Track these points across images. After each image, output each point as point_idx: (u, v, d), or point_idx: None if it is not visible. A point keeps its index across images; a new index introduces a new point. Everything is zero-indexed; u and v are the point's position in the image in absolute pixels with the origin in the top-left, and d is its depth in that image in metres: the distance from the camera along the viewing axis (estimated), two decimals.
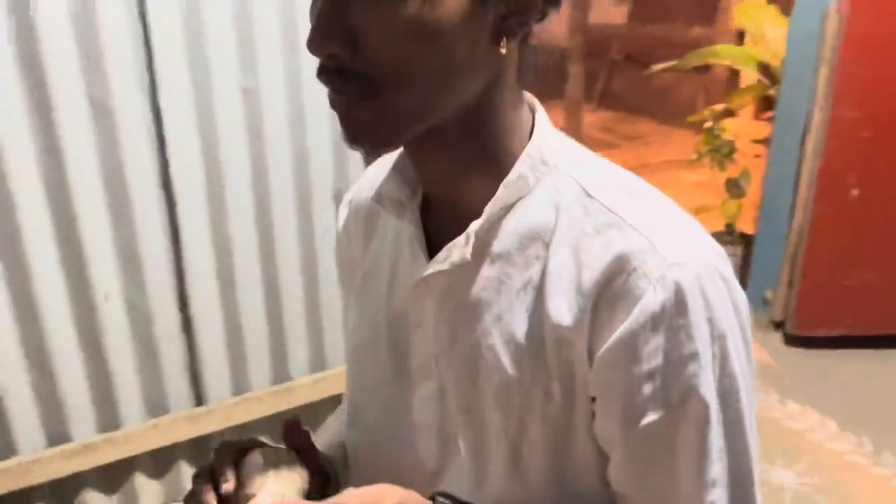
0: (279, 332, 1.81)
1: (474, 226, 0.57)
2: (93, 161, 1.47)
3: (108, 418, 1.65)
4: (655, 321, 0.52)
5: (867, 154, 2.47)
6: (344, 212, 0.77)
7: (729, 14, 6.83)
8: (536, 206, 0.58)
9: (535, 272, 0.58)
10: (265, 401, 1.81)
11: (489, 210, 0.57)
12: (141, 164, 1.52)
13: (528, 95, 0.61)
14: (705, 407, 0.53)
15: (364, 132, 0.55)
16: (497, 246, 0.59)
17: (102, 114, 1.46)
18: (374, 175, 0.71)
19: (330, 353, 1.91)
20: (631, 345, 0.53)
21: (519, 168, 0.58)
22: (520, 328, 0.58)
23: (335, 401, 1.92)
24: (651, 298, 0.52)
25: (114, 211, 1.52)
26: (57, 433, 1.61)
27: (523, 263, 0.58)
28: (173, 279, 1.64)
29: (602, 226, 0.55)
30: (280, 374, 1.85)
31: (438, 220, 0.63)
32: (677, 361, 0.53)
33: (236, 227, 1.66)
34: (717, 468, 0.55)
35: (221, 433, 1.79)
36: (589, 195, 0.57)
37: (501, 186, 0.57)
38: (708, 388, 0.53)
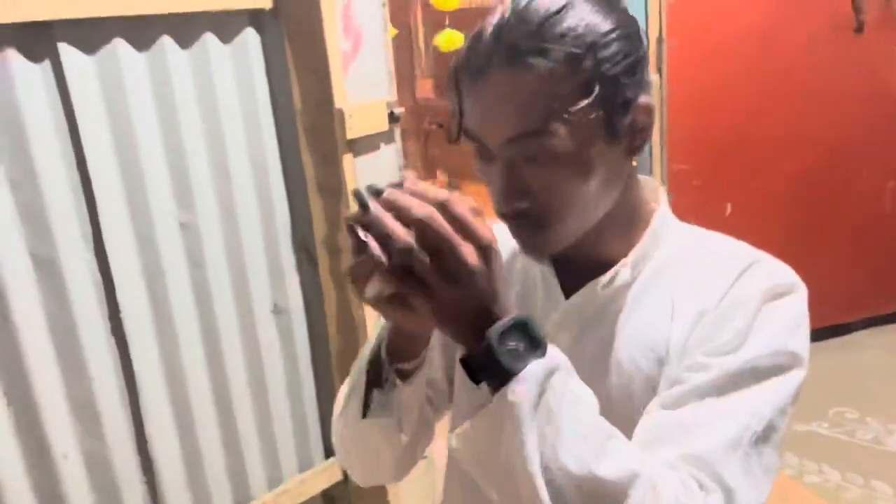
0: (237, 456, 1.80)
1: (627, 261, 0.77)
2: (41, 318, 1.43)
3: None
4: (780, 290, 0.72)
5: (699, 198, 2.91)
6: None
7: None
8: (666, 251, 0.79)
9: (664, 292, 0.76)
10: None
11: (635, 253, 0.78)
12: (90, 313, 1.49)
13: (649, 179, 0.83)
14: (799, 368, 0.70)
15: (541, 251, 0.76)
16: (637, 283, 0.78)
17: (47, 268, 1.43)
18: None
19: (286, 465, 1.92)
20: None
21: (653, 227, 0.79)
22: (657, 336, 0.75)
23: None
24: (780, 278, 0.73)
25: (65, 365, 1.48)
26: None
27: (659, 288, 0.77)
28: (130, 423, 1.60)
29: (715, 255, 0.77)
30: (241, 497, 1.83)
31: (565, 269, 0.82)
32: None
33: (187, 358, 1.66)
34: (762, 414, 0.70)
35: None
36: (699, 245, 0.79)
37: (644, 240, 0.78)
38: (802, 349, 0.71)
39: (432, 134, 9.08)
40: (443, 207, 0.58)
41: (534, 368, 0.59)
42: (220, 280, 1.70)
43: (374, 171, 1.78)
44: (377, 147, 1.77)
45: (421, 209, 0.57)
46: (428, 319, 0.61)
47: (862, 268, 3.19)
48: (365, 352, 0.84)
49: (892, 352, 3.18)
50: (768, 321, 0.70)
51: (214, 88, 1.61)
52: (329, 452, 2.01)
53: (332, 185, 1.72)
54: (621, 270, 0.77)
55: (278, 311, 1.83)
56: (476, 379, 0.61)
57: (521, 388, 0.58)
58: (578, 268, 0.79)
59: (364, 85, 1.71)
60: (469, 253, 0.57)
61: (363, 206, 0.59)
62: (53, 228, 1.41)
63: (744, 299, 0.71)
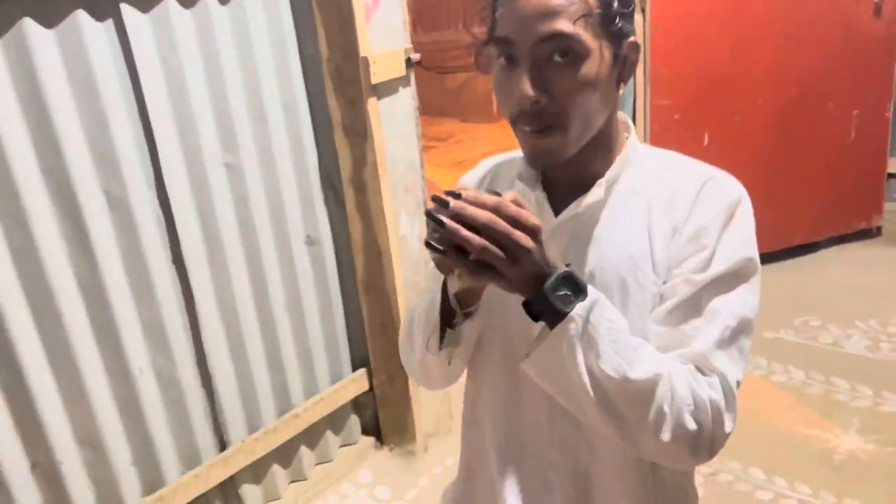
0: (279, 370, 2.04)
1: (603, 181, 0.92)
2: (115, 250, 1.63)
3: (153, 479, 1.80)
4: (731, 208, 0.89)
5: (679, 130, 3.13)
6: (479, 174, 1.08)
7: None
8: (636, 172, 0.95)
9: (641, 209, 0.92)
10: (279, 430, 2.03)
11: (610, 173, 0.93)
12: (154, 245, 1.70)
13: (621, 114, 0.98)
14: (756, 266, 0.89)
15: (549, 154, 0.87)
16: (613, 197, 0.94)
17: (118, 206, 1.62)
18: (488, 165, 1.05)
19: (320, 378, 2.17)
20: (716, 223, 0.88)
21: (626, 152, 0.95)
22: (633, 246, 0.91)
23: (333, 417, 2.20)
24: (729, 195, 0.90)
25: (137, 291, 1.69)
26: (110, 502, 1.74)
27: (633, 204, 0.93)
28: (191, 343, 1.82)
29: (679, 176, 0.93)
30: (284, 405, 2.08)
31: (554, 191, 0.96)
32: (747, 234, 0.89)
33: (235, 284, 1.87)
34: (733, 307, 0.87)
35: (246, 469, 1.99)
36: (662, 165, 0.95)
37: (617, 161, 0.93)
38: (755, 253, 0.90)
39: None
40: (496, 209, 0.76)
41: (579, 310, 0.79)
42: (261, 215, 1.90)
43: (394, 112, 1.97)
44: (396, 91, 1.95)
45: (483, 216, 0.75)
46: (501, 289, 0.80)
47: (829, 191, 3.45)
48: (421, 305, 1.02)
49: (853, 266, 3.48)
50: (730, 238, 0.89)
51: (250, 40, 1.78)
52: (356, 365, 2.26)
53: (358, 127, 1.91)
54: (595, 189, 0.93)
55: (310, 241, 2.05)
56: (535, 318, 0.82)
57: (571, 325, 0.79)
58: (565, 192, 0.95)
59: (384, 34, 1.89)
60: (523, 238, 0.76)
61: (438, 223, 0.76)
62: (123, 169, 1.60)
63: (708, 223, 0.89)
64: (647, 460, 0.97)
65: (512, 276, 0.78)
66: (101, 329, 1.64)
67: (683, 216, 0.91)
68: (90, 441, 1.67)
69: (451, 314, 0.96)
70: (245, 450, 1.95)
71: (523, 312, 0.85)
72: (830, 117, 3.32)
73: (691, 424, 0.82)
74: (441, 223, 0.76)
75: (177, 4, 1.62)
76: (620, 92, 0.93)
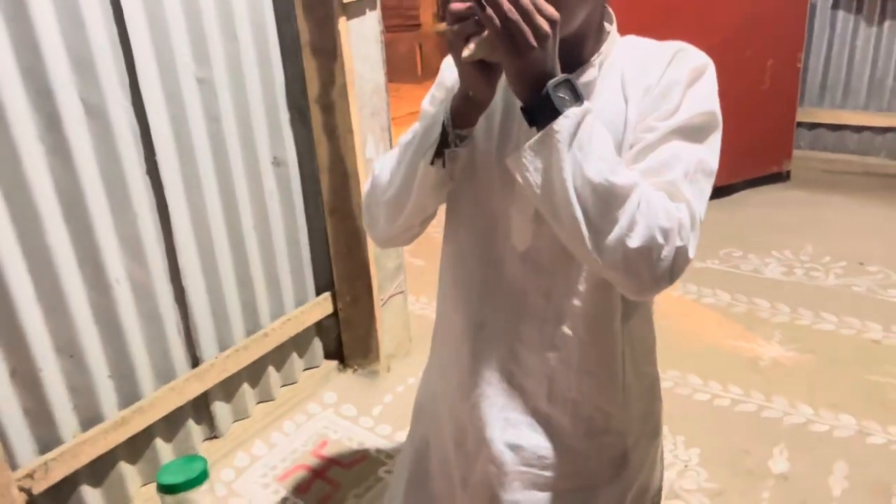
0: (248, 289, 2.08)
1: (594, 62, 1.01)
2: (92, 158, 1.63)
3: (129, 392, 1.82)
4: (698, 71, 0.99)
5: None
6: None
7: None
8: (617, 52, 1.04)
9: (616, 83, 1.01)
10: (249, 348, 2.07)
11: (598, 58, 1.02)
12: (131, 155, 1.70)
13: (608, 9, 1.06)
14: (718, 122, 0.98)
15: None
16: (601, 75, 1.02)
17: (96, 114, 1.62)
18: None
19: (286, 299, 2.21)
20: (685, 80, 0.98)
21: (611, 37, 1.04)
22: (612, 110, 1.00)
23: (298, 339, 2.26)
24: (697, 60, 0.99)
25: (114, 202, 1.69)
26: (88, 416, 1.74)
27: (612, 77, 1.02)
28: (165, 256, 1.84)
29: (652, 50, 1.02)
30: (252, 325, 2.12)
31: None
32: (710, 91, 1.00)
33: (208, 201, 1.89)
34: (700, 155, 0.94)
35: (219, 386, 2.03)
36: (638, 46, 1.04)
37: (604, 45, 1.02)
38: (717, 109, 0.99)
39: None
40: None
41: (574, 110, 0.86)
42: (231, 133, 1.92)
43: (362, 34, 2.02)
44: (364, 13, 2.00)
45: None
46: (509, 76, 0.87)
47: (744, 137, 3.70)
48: (408, 134, 1.06)
49: (767, 206, 3.76)
50: (694, 94, 0.98)
51: None
52: (321, 288, 2.32)
53: (327, 47, 1.95)
54: (589, 69, 1.02)
55: (277, 163, 2.08)
56: (532, 122, 0.88)
57: (564, 122, 0.85)
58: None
59: None
60: (544, 23, 0.83)
61: None
62: (100, 76, 1.60)
63: (676, 79, 0.98)
64: (618, 305, 1.05)
65: (527, 58, 0.83)
66: (79, 237, 1.64)
67: (655, 79, 0.99)
68: (68, 350, 1.67)
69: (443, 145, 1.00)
70: (218, 366, 1.99)
71: (508, 181, 0.94)
72: (748, 65, 3.57)
73: (659, 237, 0.87)
74: None
75: None
76: None
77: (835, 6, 3.79)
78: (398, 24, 7.70)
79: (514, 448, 1.11)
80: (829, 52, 3.88)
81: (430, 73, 7.63)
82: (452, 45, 0.88)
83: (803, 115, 3.98)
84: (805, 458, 2.01)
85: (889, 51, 3.69)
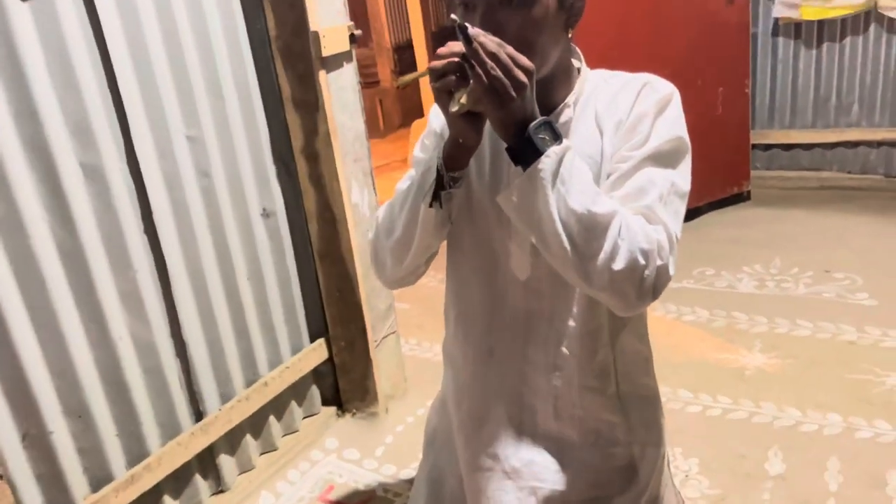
0: (245, 340, 2.11)
1: (569, 103, 1.09)
2: (93, 219, 1.68)
3: (136, 449, 1.82)
4: (665, 101, 1.06)
5: None
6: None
7: (382, 33, 7.86)
8: (589, 90, 1.12)
9: (591, 118, 1.10)
10: (250, 398, 2.09)
11: (572, 96, 1.10)
12: (128, 214, 1.74)
13: (575, 48, 1.16)
14: (687, 147, 1.06)
15: None
16: (576, 114, 1.10)
17: (95, 177, 1.67)
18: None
19: (282, 347, 2.24)
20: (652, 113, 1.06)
21: (582, 76, 1.12)
22: (590, 146, 1.08)
23: (297, 387, 2.28)
24: (663, 91, 1.07)
25: (113, 259, 1.73)
26: (98, 476, 1.75)
27: (587, 114, 1.10)
28: (165, 311, 1.87)
29: (621, 84, 1.10)
30: (250, 374, 2.14)
31: None
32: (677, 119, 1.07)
33: (203, 254, 1.94)
34: (672, 182, 1.01)
35: (223, 439, 2.04)
36: (607, 81, 1.13)
37: (576, 86, 1.10)
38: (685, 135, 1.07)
39: None
40: (500, 45, 0.92)
41: (554, 149, 0.94)
42: (222, 187, 1.98)
43: (340, 85, 2.11)
44: (342, 65, 2.10)
45: (492, 45, 0.91)
46: (494, 123, 0.95)
47: (705, 161, 3.85)
48: (405, 182, 1.14)
49: (733, 225, 3.89)
50: (662, 123, 1.06)
51: (204, 18, 1.87)
52: (314, 335, 2.36)
53: (309, 100, 2.03)
54: (565, 110, 1.09)
55: (266, 214, 2.14)
56: (517, 161, 0.97)
57: (547, 161, 0.93)
58: None
59: (328, 12, 2.03)
60: (521, 74, 0.92)
61: (468, 40, 0.90)
62: (97, 140, 1.65)
63: (645, 111, 1.06)
64: (606, 323, 1.12)
65: (508, 107, 0.91)
66: (82, 298, 1.67)
67: (626, 113, 1.07)
68: (77, 411, 1.68)
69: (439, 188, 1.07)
70: (222, 418, 2.00)
71: (504, 218, 1.02)
72: (701, 94, 3.75)
73: (641, 258, 0.94)
74: (469, 39, 0.90)
75: None
76: (570, 35, 1.08)
77: (774, 34, 4.02)
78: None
79: (528, 464, 1.17)
80: (774, 76, 4.10)
81: (392, 127, 7.78)
82: (438, 98, 0.97)
83: (756, 137, 4.17)
84: (799, 457, 2.08)
85: (829, 71, 3.92)
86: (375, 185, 2.37)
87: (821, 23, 3.82)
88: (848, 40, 3.81)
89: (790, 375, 2.48)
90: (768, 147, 4.24)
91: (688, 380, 2.51)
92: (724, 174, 4.03)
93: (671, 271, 1.00)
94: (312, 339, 2.35)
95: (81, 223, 1.64)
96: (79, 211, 1.64)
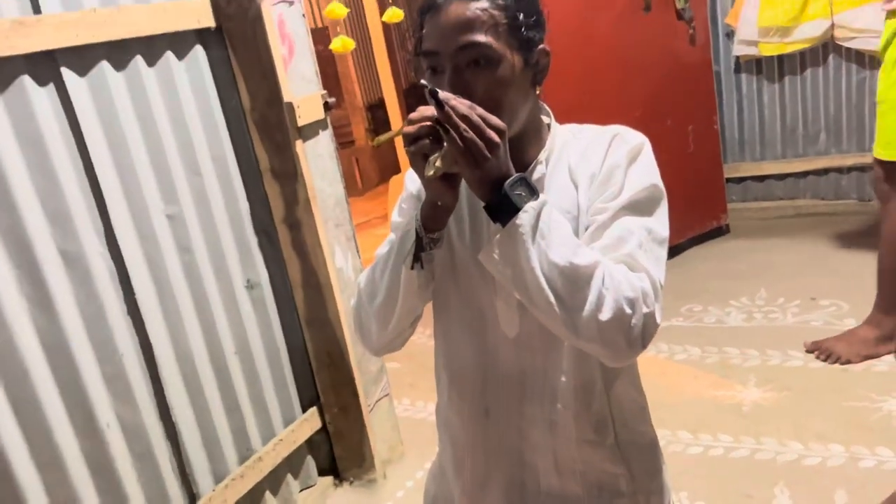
0: (236, 415, 2.07)
1: (541, 160, 1.10)
2: (74, 306, 1.65)
3: None
4: (636, 151, 1.07)
5: None
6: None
7: (354, 93, 7.97)
8: (560, 148, 1.12)
9: (565, 173, 1.10)
10: (245, 476, 2.04)
11: (544, 153, 1.11)
12: (110, 297, 1.72)
13: (543, 105, 1.17)
14: (662, 194, 1.07)
15: None
16: (549, 170, 1.11)
17: (74, 263, 1.65)
18: None
19: (274, 420, 2.20)
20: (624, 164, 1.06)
21: (552, 133, 1.13)
22: (566, 201, 1.08)
23: (291, 459, 2.24)
24: (633, 141, 1.08)
25: (97, 344, 1.70)
26: None
27: (560, 169, 1.10)
28: (152, 393, 1.83)
29: (591, 137, 1.11)
30: (243, 450, 2.10)
31: None
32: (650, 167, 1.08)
33: (188, 331, 1.91)
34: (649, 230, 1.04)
35: None
36: (577, 136, 1.13)
37: (546, 142, 1.11)
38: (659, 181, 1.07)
39: None
40: (471, 107, 0.94)
41: (531, 204, 0.95)
42: (204, 263, 1.97)
43: (317, 153, 2.13)
44: (317, 133, 2.12)
45: (463, 108, 0.92)
46: (470, 183, 0.96)
47: (681, 198, 3.90)
48: (384, 246, 1.14)
49: (715, 259, 3.91)
50: (635, 172, 1.06)
51: (178, 97, 1.89)
52: (305, 406, 2.32)
53: (288, 169, 2.04)
54: (538, 167, 1.10)
55: (251, 286, 2.12)
56: (495, 218, 0.97)
57: (525, 216, 0.94)
58: None
59: (300, 82, 2.06)
60: (493, 134, 0.93)
61: (439, 105, 0.92)
62: (76, 226, 1.64)
63: (617, 163, 1.06)
64: (599, 374, 1.12)
65: (483, 167, 0.93)
66: (67, 386, 1.64)
67: (598, 166, 1.08)
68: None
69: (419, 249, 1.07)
70: (216, 499, 1.95)
71: (488, 276, 1.03)
72: (672, 133, 3.82)
73: (627, 307, 0.94)
74: (441, 104, 0.91)
75: (110, 67, 1.72)
76: (538, 92, 1.10)
77: (737, 71, 4.12)
78: None
79: None
80: (741, 111, 4.18)
81: (370, 184, 7.83)
82: (413, 163, 0.98)
83: (730, 170, 4.24)
84: (805, 492, 2.06)
85: (794, 103, 4.01)
86: (358, 247, 2.37)
87: (780, 57, 3.93)
88: (808, 72, 3.92)
89: (787, 408, 2.47)
90: (741, 180, 4.30)
91: (686, 420, 2.49)
92: (701, 209, 4.07)
93: (658, 319, 0.99)
94: (305, 409, 2.31)
95: (63, 310, 1.62)
96: (60, 298, 1.61)
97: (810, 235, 3.87)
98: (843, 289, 3.21)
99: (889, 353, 2.71)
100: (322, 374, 2.27)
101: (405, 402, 2.96)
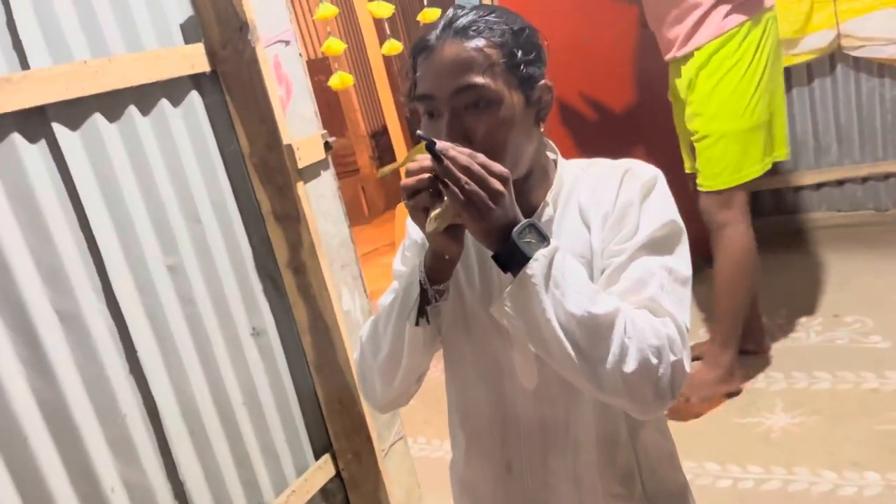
0: (246, 467, 1.99)
1: (549, 201, 1.04)
2: (73, 367, 1.59)
3: None
4: (649, 185, 1.01)
5: None
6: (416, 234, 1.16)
7: (357, 122, 7.97)
8: (569, 185, 1.06)
9: (575, 214, 1.04)
10: None
11: (552, 194, 1.05)
12: (111, 356, 1.66)
13: (548, 141, 1.11)
14: (681, 230, 1.00)
15: None
16: (558, 210, 1.05)
17: (72, 323, 1.59)
18: None
19: (286, 469, 2.13)
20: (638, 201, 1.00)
21: (559, 172, 1.07)
22: (578, 244, 1.02)
23: None
24: (645, 176, 1.02)
25: (99, 406, 1.64)
26: None
27: (571, 209, 1.05)
28: (158, 451, 1.77)
29: (601, 173, 1.05)
30: (256, 503, 2.03)
31: None
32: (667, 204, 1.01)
33: (193, 384, 1.85)
34: (671, 268, 0.97)
35: None
36: (587, 172, 1.07)
37: (554, 182, 1.06)
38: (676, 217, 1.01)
39: None
40: (472, 156, 0.88)
41: (542, 251, 0.89)
42: (207, 313, 1.91)
43: (320, 193, 2.07)
44: (319, 174, 2.06)
45: (465, 159, 0.87)
46: (475, 235, 0.90)
47: (693, 216, 3.81)
48: (388, 296, 1.10)
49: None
50: (650, 208, 1.00)
51: (175, 145, 1.84)
52: (317, 453, 2.24)
53: (290, 212, 1.99)
54: (546, 209, 1.05)
55: (257, 333, 2.06)
56: (505, 269, 0.91)
57: (536, 265, 0.88)
58: None
59: (300, 123, 2.01)
60: (496, 183, 0.87)
61: (437, 158, 0.86)
62: (72, 284, 1.59)
63: (629, 200, 1.00)
64: (623, 424, 1.06)
65: (488, 218, 0.87)
66: (68, 451, 1.57)
67: (611, 205, 1.02)
68: None
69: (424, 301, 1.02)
70: None
71: (502, 328, 0.96)
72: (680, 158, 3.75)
73: (653, 357, 0.88)
74: (440, 158, 0.86)
75: (103, 119, 1.67)
76: (542, 129, 1.04)
77: None
78: (338, 171, 7.91)
79: None
80: None
81: (377, 212, 7.79)
82: (414, 216, 0.93)
83: None
84: None
85: (803, 114, 3.94)
86: (366, 286, 2.30)
87: (787, 69, 3.85)
88: (817, 83, 3.85)
89: (818, 434, 2.38)
90: (753, 194, 4.22)
91: (713, 450, 2.39)
92: (705, 228, 3.99)
93: (687, 367, 0.93)
94: (317, 456, 2.23)
95: (62, 372, 1.56)
96: (58, 359, 1.55)
97: (827, 249, 3.78)
98: (865, 304, 3.12)
99: (732, 391, 2.67)
100: (334, 420, 2.20)
101: (421, 440, 2.88)
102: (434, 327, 1.05)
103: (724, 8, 2.48)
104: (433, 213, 0.90)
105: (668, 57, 2.73)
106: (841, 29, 3.54)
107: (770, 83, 2.60)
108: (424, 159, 0.89)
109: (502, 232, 0.89)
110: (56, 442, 1.56)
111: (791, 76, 3.89)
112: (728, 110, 2.57)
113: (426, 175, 0.89)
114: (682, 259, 1.00)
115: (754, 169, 2.64)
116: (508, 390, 1.10)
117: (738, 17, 2.49)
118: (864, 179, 3.87)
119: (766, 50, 2.54)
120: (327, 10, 2.52)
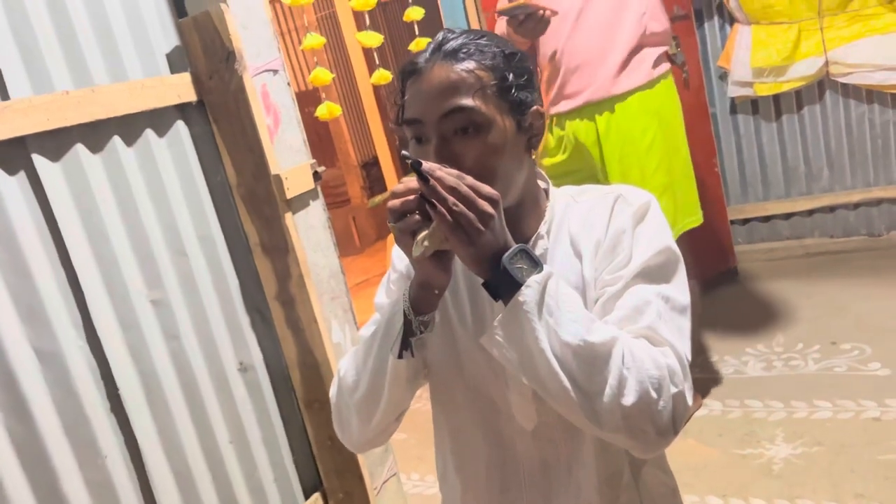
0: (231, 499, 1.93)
1: (542, 233, 1.00)
2: (52, 409, 1.53)
3: None
4: (641, 212, 0.97)
5: None
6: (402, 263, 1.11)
7: (348, 152, 7.96)
8: (560, 216, 1.03)
9: (566, 244, 1.01)
10: None
11: (544, 226, 1.01)
12: (92, 395, 1.60)
13: (539, 169, 1.07)
14: (677, 257, 0.96)
15: None
16: (551, 242, 1.01)
17: (51, 362, 1.53)
18: None
19: (271, 496, 2.05)
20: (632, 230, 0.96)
21: (551, 203, 1.03)
22: (571, 275, 0.98)
23: None
24: (637, 202, 0.98)
25: (79, 449, 1.57)
26: None
27: (562, 240, 1.01)
28: (140, 496, 1.69)
29: (593, 201, 1.02)
30: None
31: None
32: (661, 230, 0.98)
33: (178, 424, 1.78)
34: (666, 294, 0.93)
35: None
36: (577, 200, 1.04)
37: (547, 213, 1.02)
38: (671, 243, 0.97)
39: None
40: (460, 177, 0.84)
41: (535, 278, 0.84)
42: (193, 349, 1.85)
43: (309, 224, 2.03)
44: (308, 204, 2.02)
45: (452, 180, 0.83)
46: (464, 261, 0.86)
47: (688, 244, 3.80)
48: (370, 328, 1.03)
49: (726, 305, 3.70)
50: (643, 235, 0.96)
51: (160, 176, 1.80)
52: (307, 493, 2.17)
53: (278, 244, 1.94)
54: (539, 241, 1.01)
55: (244, 368, 2.00)
56: (496, 296, 0.87)
57: (528, 292, 0.84)
58: None
59: (288, 152, 1.97)
60: (485, 205, 0.84)
61: (424, 178, 0.82)
62: (52, 322, 1.53)
63: (622, 228, 0.97)
64: (625, 463, 1.02)
65: (477, 242, 0.83)
66: (46, 497, 1.50)
67: (602, 233, 0.99)
68: None
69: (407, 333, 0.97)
70: None
71: (497, 364, 0.92)
72: None
73: (652, 390, 0.84)
74: (426, 178, 0.82)
75: (86, 150, 1.63)
76: (533, 157, 1.01)
77: (733, 111, 4.06)
78: (329, 202, 7.87)
79: None
80: (740, 152, 4.11)
81: (368, 242, 7.75)
82: (400, 240, 0.88)
83: (733, 213, 4.15)
84: None
85: (793, 141, 3.94)
86: (356, 319, 2.25)
87: (776, 96, 3.87)
88: (806, 110, 3.86)
89: (821, 465, 2.33)
90: (746, 221, 4.21)
91: (714, 483, 2.33)
92: (709, 254, 3.96)
93: (689, 399, 0.89)
94: (307, 496, 2.16)
95: (38, 412, 1.49)
96: (35, 399, 1.49)
97: (822, 275, 3.76)
98: (862, 330, 3.09)
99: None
100: (324, 459, 2.13)
101: (414, 476, 2.81)
102: (418, 361, 1.00)
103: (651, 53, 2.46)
104: (420, 237, 0.85)
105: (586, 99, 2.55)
106: (829, 56, 3.56)
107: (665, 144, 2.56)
108: (411, 180, 0.85)
109: (492, 257, 0.85)
110: (32, 485, 1.49)
111: (780, 103, 3.91)
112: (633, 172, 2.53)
113: (413, 196, 0.85)
114: (679, 287, 0.96)
115: None
116: (507, 432, 1.05)
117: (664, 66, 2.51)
118: (856, 205, 3.86)
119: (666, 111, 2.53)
120: (314, 41, 2.50)
